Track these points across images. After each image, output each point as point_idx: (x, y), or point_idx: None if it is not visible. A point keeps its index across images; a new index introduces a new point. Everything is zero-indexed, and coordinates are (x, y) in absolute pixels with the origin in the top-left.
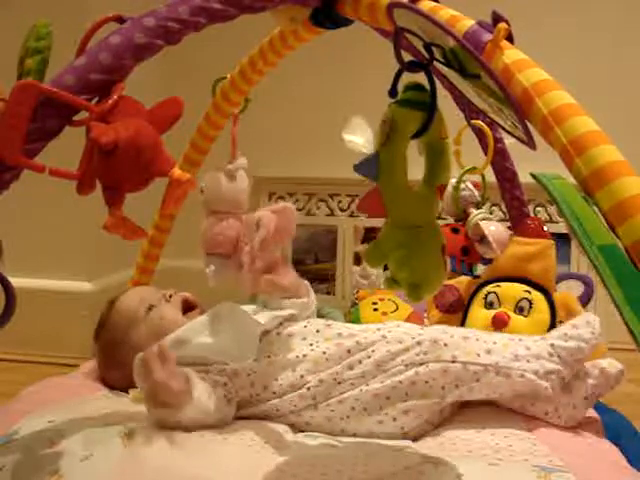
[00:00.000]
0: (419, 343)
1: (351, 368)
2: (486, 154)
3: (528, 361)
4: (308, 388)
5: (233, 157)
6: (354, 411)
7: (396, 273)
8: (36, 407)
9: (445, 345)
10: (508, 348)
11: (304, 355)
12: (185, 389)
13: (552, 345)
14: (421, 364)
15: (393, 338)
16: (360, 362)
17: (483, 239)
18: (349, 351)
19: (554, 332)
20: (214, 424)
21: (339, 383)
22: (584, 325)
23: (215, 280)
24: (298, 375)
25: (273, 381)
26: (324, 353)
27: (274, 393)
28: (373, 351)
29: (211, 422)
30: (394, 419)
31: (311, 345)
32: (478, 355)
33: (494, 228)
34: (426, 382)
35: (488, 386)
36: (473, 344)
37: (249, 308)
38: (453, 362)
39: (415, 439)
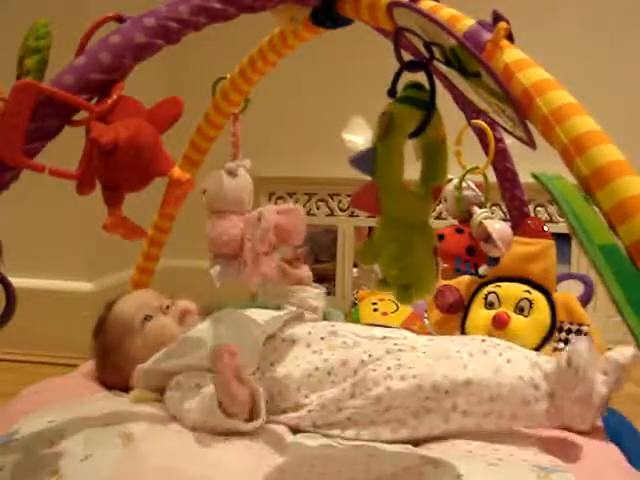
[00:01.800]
0: (420, 387)
1: (353, 397)
2: (487, 154)
3: (538, 403)
4: (309, 410)
5: (237, 156)
6: (354, 428)
7: (386, 272)
8: (36, 407)
9: (446, 393)
10: (515, 392)
11: (309, 375)
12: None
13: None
14: (425, 410)
15: (394, 364)
16: (362, 394)
17: (488, 238)
18: (355, 372)
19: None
20: None
21: (340, 410)
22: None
23: (220, 280)
24: (303, 395)
25: (277, 396)
26: (329, 374)
27: (277, 406)
28: (375, 383)
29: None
30: (393, 430)
31: (315, 353)
32: (480, 404)
33: (499, 226)
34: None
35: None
36: (475, 392)
37: (254, 310)
38: (454, 410)
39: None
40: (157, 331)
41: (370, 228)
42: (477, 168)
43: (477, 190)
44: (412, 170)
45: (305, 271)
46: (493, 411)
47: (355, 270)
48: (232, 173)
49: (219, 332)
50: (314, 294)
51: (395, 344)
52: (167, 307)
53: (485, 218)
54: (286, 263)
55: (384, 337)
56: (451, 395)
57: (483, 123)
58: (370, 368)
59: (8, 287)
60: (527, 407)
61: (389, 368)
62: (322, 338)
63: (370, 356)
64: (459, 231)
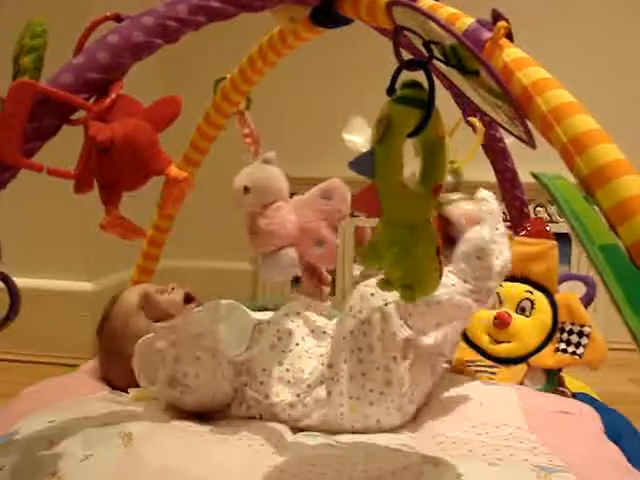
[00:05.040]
0: (351, 307)
1: (330, 366)
2: (485, 153)
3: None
4: (298, 395)
5: (257, 152)
6: (344, 407)
7: (390, 273)
8: (36, 407)
9: (372, 295)
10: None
11: (290, 350)
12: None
13: (458, 260)
14: (362, 322)
15: (339, 317)
16: (335, 357)
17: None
18: (326, 349)
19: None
20: (213, 370)
21: (322, 383)
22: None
23: (287, 273)
24: (284, 368)
25: (262, 371)
26: (307, 351)
27: (261, 383)
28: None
29: (207, 359)
30: (381, 393)
31: (293, 322)
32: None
33: (459, 208)
34: (378, 338)
35: (429, 318)
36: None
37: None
38: (386, 304)
39: (415, 419)
40: (161, 303)
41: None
42: (452, 162)
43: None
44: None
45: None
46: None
47: (355, 267)
48: (270, 162)
49: (215, 315)
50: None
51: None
52: (172, 288)
53: (449, 202)
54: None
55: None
56: (377, 294)
57: (475, 120)
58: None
59: (12, 288)
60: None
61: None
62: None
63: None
64: None
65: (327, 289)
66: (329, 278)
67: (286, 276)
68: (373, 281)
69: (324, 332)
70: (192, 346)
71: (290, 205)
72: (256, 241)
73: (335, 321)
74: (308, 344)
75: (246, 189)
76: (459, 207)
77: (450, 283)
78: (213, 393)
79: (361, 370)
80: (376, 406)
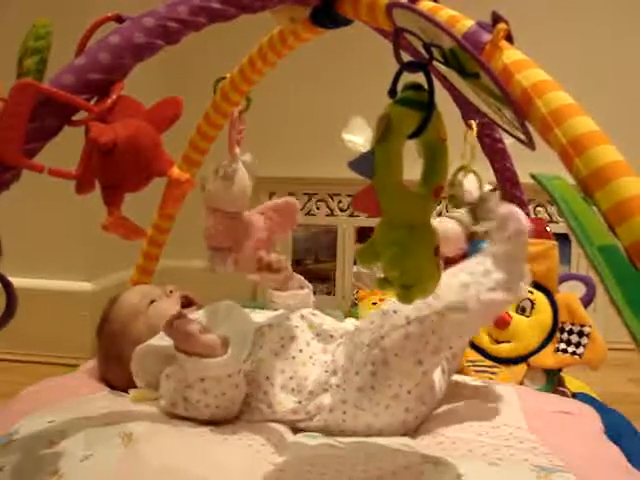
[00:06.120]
0: (372, 322)
1: (335, 373)
2: (485, 154)
3: (477, 282)
4: (300, 402)
5: (234, 150)
6: (347, 415)
7: (388, 272)
8: (36, 407)
9: (395, 312)
10: (451, 285)
11: (293, 357)
12: (218, 343)
13: (492, 255)
14: (382, 337)
15: (357, 328)
16: (342, 365)
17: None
18: (333, 356)
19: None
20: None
21: (326, 390)
22: (508, 219)
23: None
24: (288, 376)
25: (265, 379)
26: (311, 358)
27: (265, 393)
28: (339, 345)
29: (233, 394)
30: (387, 406)
31: (297, 328)
32: (429, 305)
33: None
34: (396, 354)
35: (456, 330)
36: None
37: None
38: (408, 323)
39: (417, 429)
40: (161, 311)
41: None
42: (464, 167)
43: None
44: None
45: (286, 276)
46: (443, 307)
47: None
48: (228, 179)
49: (214, 318)
50: (301, 296)
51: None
52: (170, 291)
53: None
54: (266, 268)
55: (355, 327)
56: (400, 313)
57: (472, 122)
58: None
59: (9, 287)
60: (467, 288)
61: (353, 334)
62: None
63: (336, 331)
64: None
65: (282, 273)
66: (278, 261)
67: (217, 271)
68: (394, 300)
69: (331, 336)
70: (221, 385)
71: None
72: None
73: (343, 324)
74: (313, 349)
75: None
76: (442, 224)
77: (471, 280)
78: (222, 417)
79: (372, 384)
80: (381, 418)
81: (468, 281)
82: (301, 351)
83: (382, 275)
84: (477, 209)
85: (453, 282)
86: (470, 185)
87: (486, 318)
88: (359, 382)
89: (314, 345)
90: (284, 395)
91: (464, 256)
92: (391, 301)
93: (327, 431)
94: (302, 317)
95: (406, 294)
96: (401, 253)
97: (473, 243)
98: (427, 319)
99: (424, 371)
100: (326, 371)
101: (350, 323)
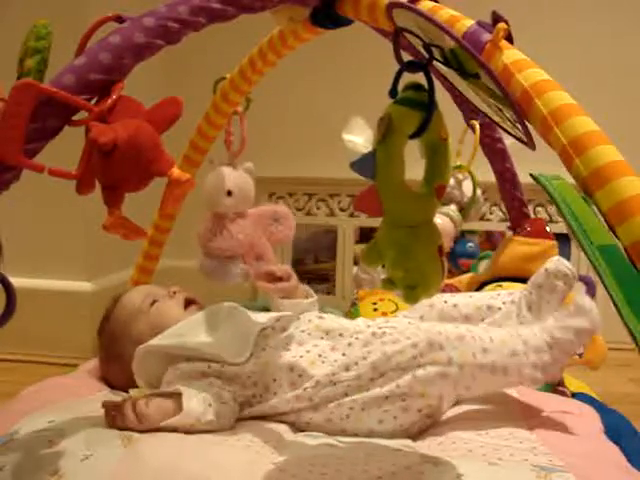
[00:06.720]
0: (414, 345)
1: (347, 369)
2: (485, 154)
3: (526, 355)
4: (305, 389)
5: (238, 154)
6: (353, 411)
7: (392, 273)
8: (36, 407)
9: (441, 348)
10: (506, 345)
11: (300, 356)
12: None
13: (552, 336)
14: (418, 366)
15: (388, 339)
16: (356, 364)
17: None
18: (344, 354)
19: (553, 320)
20: (222, 428)
21: (334, 384)
22: (583, 313)
23: (234, 280)
24: (296, 375)
25: (272, 381)
26: (320, 356)
27: (275, 394)
28: (369, 352)
29: (217, 427)
30: (395, 417)
31: (303, 332)
32: (474, 356)
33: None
34: (424, 385)
35: (485, 384)
36: (469, 344)
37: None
38: (449, 364)
39: (417, 435)
40: (163, 312)
41: (370, 229)
42: (461, 167)
43: (457, 188)
44: (418, 171)
45: (292, 285)
46: (487, 363)
47: (355, 268)
48: (251, 173)
49: (216, 319)
50: (305, 305)
51: (380, 328)
52: (174, 292)
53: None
54: (271, 278)
55: (368, 325)
56: (447, 350)
57: (475, 122)
58: (363, 350)
59: (8, 287)
60: (515, 358)
61: (384, 343)
62: (310, 321)
63: (357, 338)
64: None
65: (291, 282)
66: (286, 272)
67: (230, 282)
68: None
69: (341, 334)
70: (198, 428)
71: (251, 219)
72: (219, 243)
73: (354, 322)
74: (322, 348)
75: (229, 193)
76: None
77: (522, 351)
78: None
79: (387, 394)
80: (384, 425)
81: (519, 351)
82: (308, 352)
83: (386, 276)
84: (467, 209)
85: (509, 343)
86: (464, 185)
87: (513, 385)
88: (376, 390)
89: (322, 344)
90: (291, 394)
91: (450, 253)
92: (436, 330)
93: (328, 428)
94: (309, 320)
95: (411, 294)
96: (404, 253)
97: (461, 242)
98: (466, 367)
99: (441, 397)
100: (336, 366)
101: (362, 321)
